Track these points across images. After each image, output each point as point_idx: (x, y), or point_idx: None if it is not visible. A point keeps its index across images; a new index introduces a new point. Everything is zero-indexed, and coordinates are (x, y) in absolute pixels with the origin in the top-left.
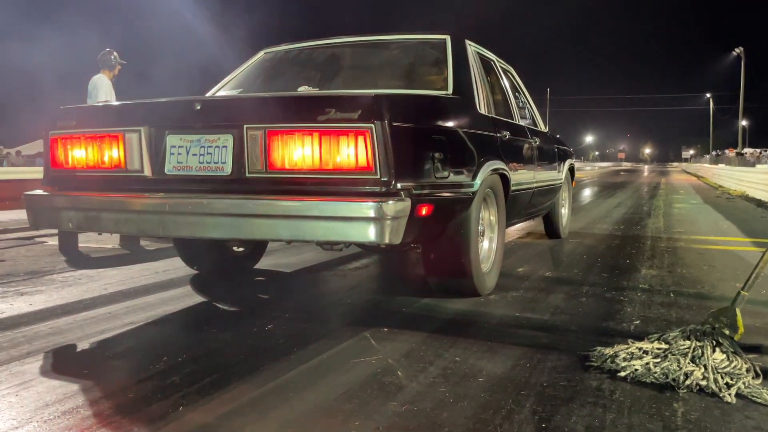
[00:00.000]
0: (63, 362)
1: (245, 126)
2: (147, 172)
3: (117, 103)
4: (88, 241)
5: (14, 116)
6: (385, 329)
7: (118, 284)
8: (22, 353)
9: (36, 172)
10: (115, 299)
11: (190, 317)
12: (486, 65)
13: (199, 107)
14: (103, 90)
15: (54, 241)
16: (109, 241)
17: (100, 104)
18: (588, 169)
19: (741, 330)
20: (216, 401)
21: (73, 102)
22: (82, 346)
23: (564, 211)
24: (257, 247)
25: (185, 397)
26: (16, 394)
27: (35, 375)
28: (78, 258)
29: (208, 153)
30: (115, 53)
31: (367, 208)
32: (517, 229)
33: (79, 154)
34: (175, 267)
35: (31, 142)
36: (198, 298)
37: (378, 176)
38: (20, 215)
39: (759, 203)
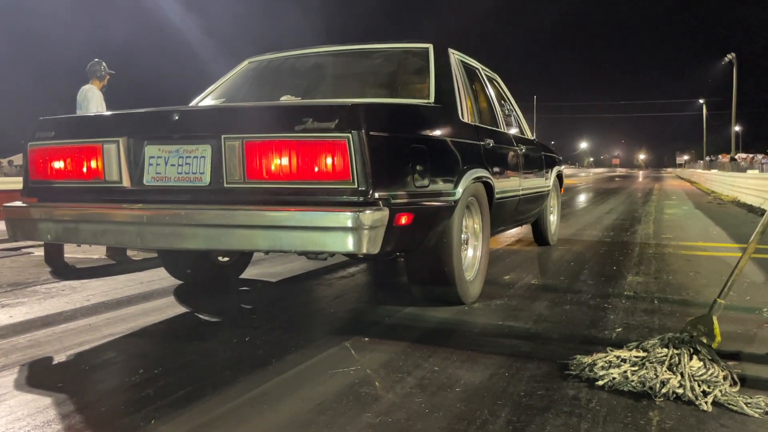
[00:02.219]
0: (38, 375)
1: (223, 136)
2: (125, 182)
3: (95, 113)
4: (74, 252)
5: (6, 126)
6: (366, 339)
7: (101, 295)
8: None
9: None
10: (97, 310)
11: (170, 328)
12: (470, 74)
13: (177, 117)
14: (93, 101)
15: (40, 252)
16: (96, 252)
17: (79, 116)
18: (582, 176)
19: (718, 338)
20: (188, 414)
21: (64, 111)
22: (59, 358)
23: (552, 218)
24: (242, 257)
25: (158, 410)
26: None
27: (9, 389)
28: (63, 269)
29: (187, 163)
30: (104, 63)
31: (345, 217)
32: (505, 237)
33: (58, 165)
34: (160, 277)
35: (22, 152)
36: (180, 309)
37: (356, 186)
38: None
39: (750, 208)
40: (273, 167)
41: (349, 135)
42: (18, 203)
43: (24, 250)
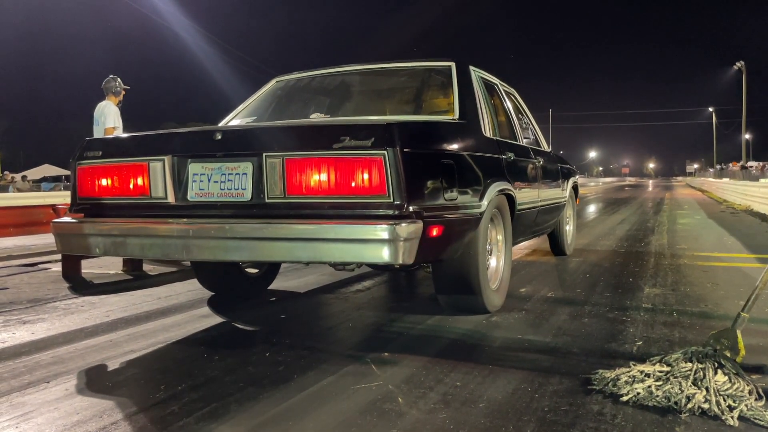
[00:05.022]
0: (63, 393)
1: (264, 154)
2: (171, 198)
3: (141, 133)
4: (91, 267)
5: (19, 141)
6: (386, 354)
7: (120, 311)
8: (22, 384)
9: (41, 197)
10: (117, 326)
11: (191, 344)
12: (489, 89)
13: (219, 137)
14: (111, 117)
15: (57, 268)
16: (112, 266)
17: (125, 135)
18: (592, 185)
19: (742, 352)
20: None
21: (77, 127)
22: (83, 375)
23: (569, 228)
24: (270, 269)
25: (184, 427)
26: (16, 426)
27: (36, 406)
28: (81, 284)
29: (229, 180)
30: (119, 79)
31: (382, 230)
32: (522, 247)
33: (105, 183)
34: (177, 292)
35: (36, 167)
36: (198, 325)
37: (391, 200)
38: (24, 242)
39: (764, 218)
40: (312, 183)
41: (385, 152)
42: (68, 219)
43: (41, 266)
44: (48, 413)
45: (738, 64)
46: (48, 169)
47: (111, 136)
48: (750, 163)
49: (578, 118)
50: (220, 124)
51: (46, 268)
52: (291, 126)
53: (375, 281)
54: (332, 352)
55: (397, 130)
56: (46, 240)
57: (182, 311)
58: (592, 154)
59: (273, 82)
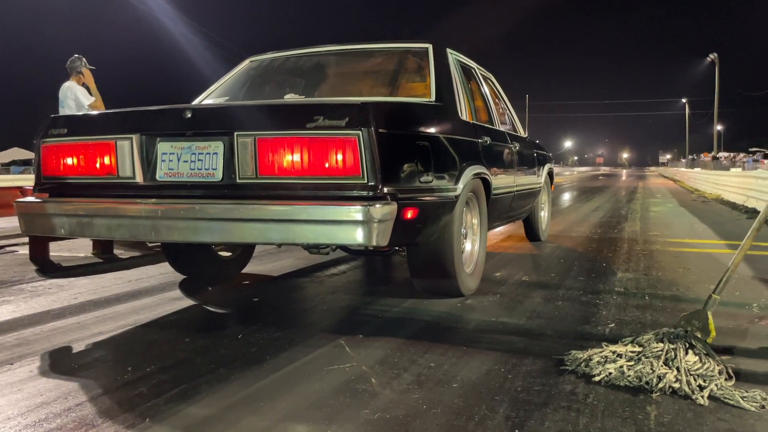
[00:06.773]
0: (27, 374)
1: (236, 133)
2: (138, 178)
3: (108, 111)
4: (60, 250)
5: None
6: (360, 336)
7: (88, 293)
8: None
9: (9, 180)
10: (85, 309)
11: (161, 326)
12: (467, 73)
13: (189, 115)
14: (78, 97)
15: (25, 250)
16: (82, 249)
17: (91, 112)
18: (567, 174)
19: (713, 333)
20: (183, 412)
21: (47, 110)
22: (48, 357)
23: (543, 214)
24: (244, 252)
25: (152, 408)
26: None
27: None
28: (49, 267)
29: (199, 159)
30: (84, 59)
31: (355, 211)
32: (497, 232)
33: (71, 162)
34: (148, 275)
35: (5, 150)
36: (169, 307)
37: (365, 181)
38: None
39: (733, 206)
40: (285, 163)
41: (359, 132)
42: (31, 199)
43: (8, 249)
44: (11, 395)
45: (711, 56)
46: (17, 153)
47: (77, 114)
48: (721, 154)
49: (553, 107)
50: (192, 104)
51: (14, 251)
52: (263, 105)
53: (350, 265)
54: (306, 334)
55: (372, 110)
56: (13, 223)
57: (153, 294)
58: (568, 144)
59: (246, 62)
